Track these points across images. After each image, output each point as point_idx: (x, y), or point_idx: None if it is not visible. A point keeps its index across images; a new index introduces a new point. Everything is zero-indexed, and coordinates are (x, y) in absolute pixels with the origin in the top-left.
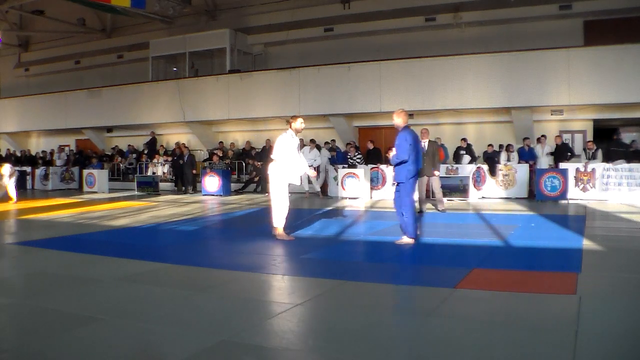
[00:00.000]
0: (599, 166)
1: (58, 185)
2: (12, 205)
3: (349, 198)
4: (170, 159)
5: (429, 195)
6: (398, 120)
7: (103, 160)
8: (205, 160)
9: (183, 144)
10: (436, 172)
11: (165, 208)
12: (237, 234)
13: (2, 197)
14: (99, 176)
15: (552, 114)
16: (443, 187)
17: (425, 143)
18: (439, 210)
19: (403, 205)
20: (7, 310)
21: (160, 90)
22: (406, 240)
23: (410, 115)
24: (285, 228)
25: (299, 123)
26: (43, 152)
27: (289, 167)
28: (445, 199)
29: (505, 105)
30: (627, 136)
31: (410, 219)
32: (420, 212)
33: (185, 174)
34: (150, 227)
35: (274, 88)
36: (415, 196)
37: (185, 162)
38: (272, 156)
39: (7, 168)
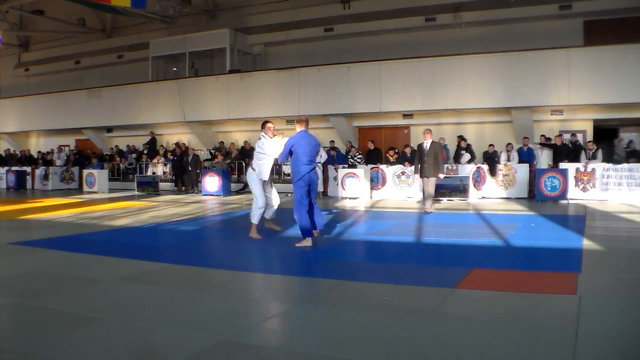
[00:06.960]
0: (599, 166)
1: (58, 185)
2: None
3: (349, 198)
4: (172, 156)
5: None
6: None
7: (103, 160)
8: (207, 160)
9: (183, 143)
10: (440, 175)
11: (166, 208)
12: (237, 234)
13: None
14: (99, 176)
15: (552, 114)
16: (443, 187)
17: (427, 144)
18: (426, 211)
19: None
20: (7, 310)
21: (160, 90)
22: (304, 242)
23: (410, 115)
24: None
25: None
26: (42, 152)
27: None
28: (445, 199)
29: (505, 105)
30: (626, 136)
31: (298, 220)
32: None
33: (190, 174)
34: (150, 227)
35: (274, 88)
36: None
37: (190, 162)
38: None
39: None
